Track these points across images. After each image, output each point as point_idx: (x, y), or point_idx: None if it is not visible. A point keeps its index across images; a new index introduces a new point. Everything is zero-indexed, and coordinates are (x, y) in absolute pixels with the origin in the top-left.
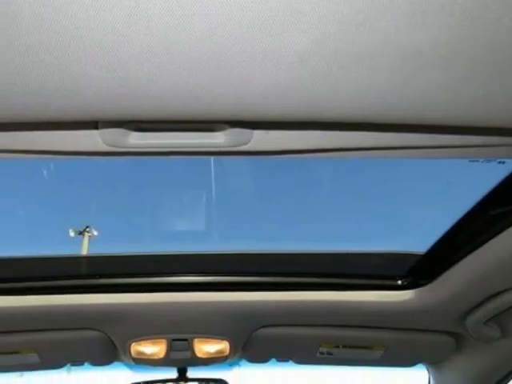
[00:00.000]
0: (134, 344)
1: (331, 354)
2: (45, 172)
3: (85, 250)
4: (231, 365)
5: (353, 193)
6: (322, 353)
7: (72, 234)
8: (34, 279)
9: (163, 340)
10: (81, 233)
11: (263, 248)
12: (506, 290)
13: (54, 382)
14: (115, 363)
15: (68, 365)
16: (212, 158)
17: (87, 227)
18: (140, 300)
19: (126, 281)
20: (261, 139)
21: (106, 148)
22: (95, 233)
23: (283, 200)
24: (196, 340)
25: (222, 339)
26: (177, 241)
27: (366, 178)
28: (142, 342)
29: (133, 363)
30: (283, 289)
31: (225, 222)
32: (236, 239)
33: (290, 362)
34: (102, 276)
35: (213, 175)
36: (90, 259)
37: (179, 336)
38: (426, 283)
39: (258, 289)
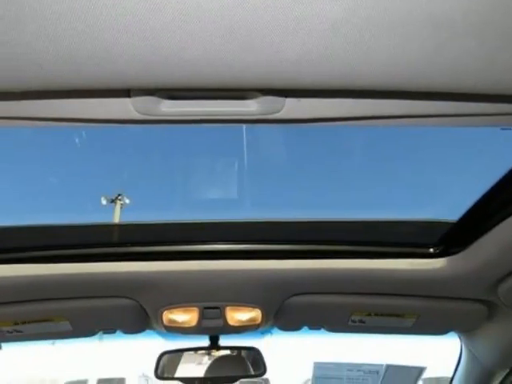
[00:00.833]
0: (165, 312)
1: (363, 322)
2: (77, 140)
3: (117, 217)
4: (263, 333)
5: (385, 161)
6: (353, 321)
7: (104, 201)
8: (66, 247)
9: (195, 308)
10: (113, 201)
11: (295, 216)
12: None
13: None
14: (147, 331)
15: (100, 333)
16: (244, 126)
17: (119, 195)
18: (172, 268)
19: (158, 249)
20: (293, 107)
21: (137, 116)
22: (127, 201)
23: (315, 168)
24: (228, 308)
25: (254, 307)
26: (208, 209)
27: (398, 145)
28: (173, 310)
29: (165, 331)
30: (315, 257)
31: (256, 190)
32: (268, 207)
33: (322, 330)
34: (133, 244)
35: (245, 143)
36: (122, 227)
37: (211, 304)
38: (458, 251)
39: (289, 257)
